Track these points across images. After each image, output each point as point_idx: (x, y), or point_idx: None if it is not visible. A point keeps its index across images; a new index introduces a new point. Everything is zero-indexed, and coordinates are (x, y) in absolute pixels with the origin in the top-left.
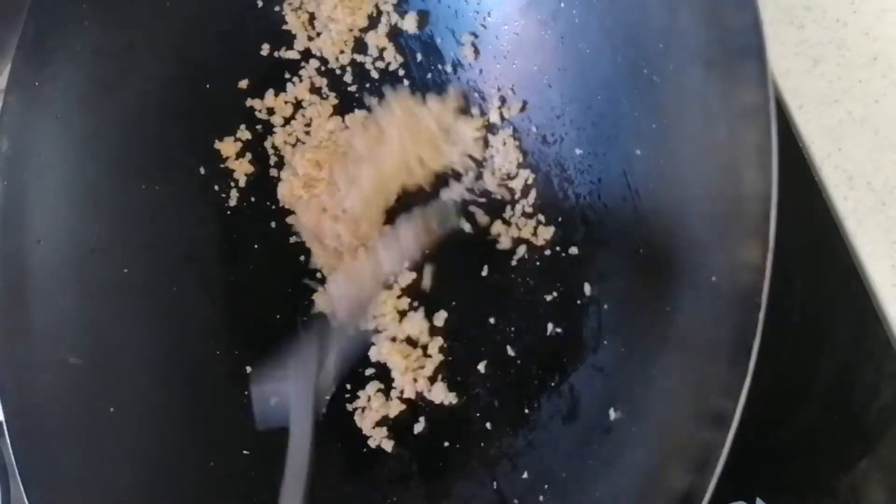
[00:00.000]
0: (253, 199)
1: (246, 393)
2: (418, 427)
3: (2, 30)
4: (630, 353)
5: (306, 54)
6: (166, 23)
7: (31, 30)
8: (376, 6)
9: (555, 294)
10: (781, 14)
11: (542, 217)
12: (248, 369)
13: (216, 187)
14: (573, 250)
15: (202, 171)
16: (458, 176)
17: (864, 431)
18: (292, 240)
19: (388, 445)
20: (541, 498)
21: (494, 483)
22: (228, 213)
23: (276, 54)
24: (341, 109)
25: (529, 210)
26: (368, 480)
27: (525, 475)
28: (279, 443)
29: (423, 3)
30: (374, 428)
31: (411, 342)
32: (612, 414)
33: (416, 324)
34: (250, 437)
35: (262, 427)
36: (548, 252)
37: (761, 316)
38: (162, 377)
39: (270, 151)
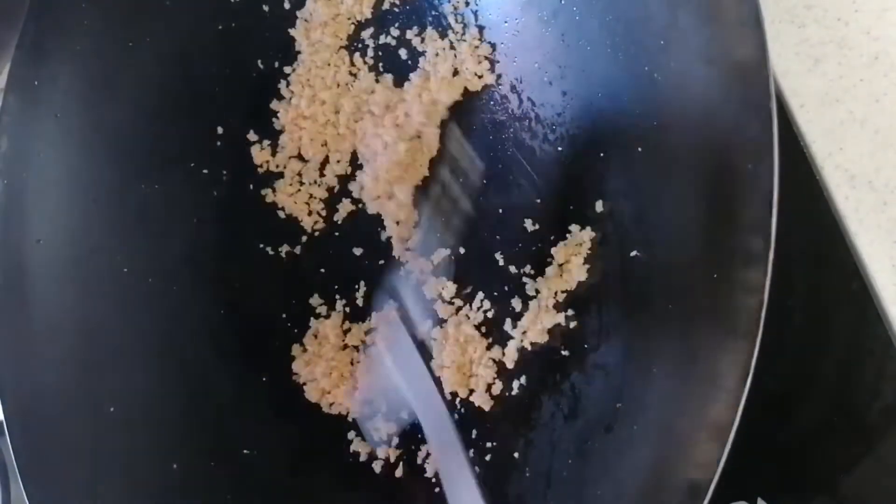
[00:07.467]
0: (254, 199)
1: (245, 392)
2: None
3: (2, 30)
4: (631, 352)
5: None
6: (166, 23)
7: (31, 30)
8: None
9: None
10: (782, 13)
11: None
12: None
13: (216, 187)
14: None
15: (202, 171)
16: None
17: (865, 431)
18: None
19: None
20: (542, 497)
21: (496, 481)
22: (229, 212)
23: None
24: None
25: None
26: (369, 481)
27: (526, 473)
28: (279, 442)
29: None
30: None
31: None
32: (614, 413)
33: None
34: (251, 437)
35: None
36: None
37: (763, 314)
38: (162, 377)
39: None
